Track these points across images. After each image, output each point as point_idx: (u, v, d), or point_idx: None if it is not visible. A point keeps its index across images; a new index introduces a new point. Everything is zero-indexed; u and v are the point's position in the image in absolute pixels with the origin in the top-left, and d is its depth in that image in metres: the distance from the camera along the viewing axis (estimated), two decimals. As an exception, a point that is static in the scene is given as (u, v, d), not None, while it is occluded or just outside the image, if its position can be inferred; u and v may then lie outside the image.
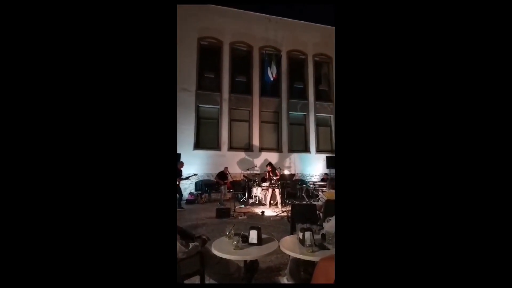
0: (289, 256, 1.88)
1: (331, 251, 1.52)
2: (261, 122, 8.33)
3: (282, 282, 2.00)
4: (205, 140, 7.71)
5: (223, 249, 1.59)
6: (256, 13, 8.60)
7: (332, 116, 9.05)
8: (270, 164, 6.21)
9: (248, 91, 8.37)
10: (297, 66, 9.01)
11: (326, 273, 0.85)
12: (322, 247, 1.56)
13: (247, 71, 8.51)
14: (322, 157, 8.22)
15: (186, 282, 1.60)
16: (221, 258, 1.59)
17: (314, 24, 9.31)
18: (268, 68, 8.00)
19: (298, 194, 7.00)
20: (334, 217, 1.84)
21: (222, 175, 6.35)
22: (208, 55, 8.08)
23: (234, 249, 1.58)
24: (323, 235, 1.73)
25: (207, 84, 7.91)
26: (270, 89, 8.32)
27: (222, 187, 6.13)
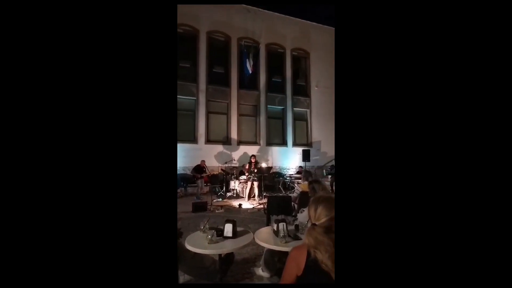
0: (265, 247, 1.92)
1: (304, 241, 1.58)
2: (240, 115, 8.26)
3: (257, 273, 2.04)
4: (181, 132, 7.42)
5: (197, 243, 1.56)
6: (234, 4, 8.35)
7: (308, 110, 9.29)
8: (254, 156, 6.28)
9: (226, 83, 8.20)
10: (275, 60, 9.02)
11: (297, 262, 0.88)
12: (296, 238, 1.62)
13: (225, 62, 8.30)
14: (299, 150, 8.45)
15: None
16: (195, 253, 1.57)
17: (292, 18, 9.33)
18: (247, 60, 7.88)
19: (276, 186, 7.15)
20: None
21: (199, 168, 6.21)
22: (184, 43, 7.69)
23: (208, 243, 1.56)
24: (297, 226, 1.79)
25: (182, 74, 7.56)
26: (248, 82, 8.24)
27: (199, 180, 6.01)
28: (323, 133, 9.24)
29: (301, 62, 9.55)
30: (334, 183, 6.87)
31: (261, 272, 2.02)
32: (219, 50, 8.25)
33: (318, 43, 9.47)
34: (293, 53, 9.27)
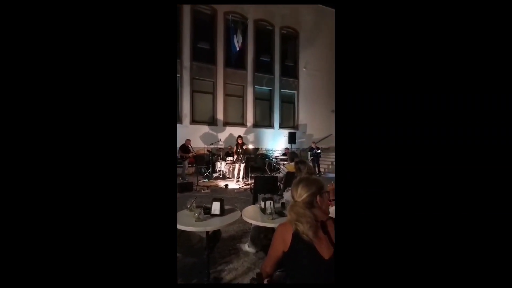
0: (251, 224, 1.96)
1: (290, 218, 1.63)
2: (226, 95, 8.02)
3: (244, 249, 2.11)
4: (165, 112, 7.12)
5: (184, 221, 1.56)
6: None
7: (296, 93, 9.23)
8: (241, 136, 6.18)
9: (212, 60, 7.82)
10: (263, 38, 8.66)
11: (283, 237, 0.90)
12: (282, 215, 1.66)
13: (211, 38, 7.84)
14: (285, 132, 8.51)
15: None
16: (182, 231, 1.57)
17: (283, -8, 8.85)
18: (234, 36, 7.47)
19: (262, 168, 7.25)
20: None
21: (185, 148, 6.09)
22: (166, 15, 7.09)
23: (195, 221, 1.56)
24: (283, 204, 1.84)
25: (165, 49, 7.06)
26: (235, 60, 7.90)
27: (185, 161, 5.93)
28: (309, 116, 9.32)
29: (290, 41, 9.26)
30: (317, 164, 7.17)
31: (247, 248, 2.09)
32: (204, 24, 7.73)
33: (308, 22, 9.17)
34: (282, 31, 8.93)
